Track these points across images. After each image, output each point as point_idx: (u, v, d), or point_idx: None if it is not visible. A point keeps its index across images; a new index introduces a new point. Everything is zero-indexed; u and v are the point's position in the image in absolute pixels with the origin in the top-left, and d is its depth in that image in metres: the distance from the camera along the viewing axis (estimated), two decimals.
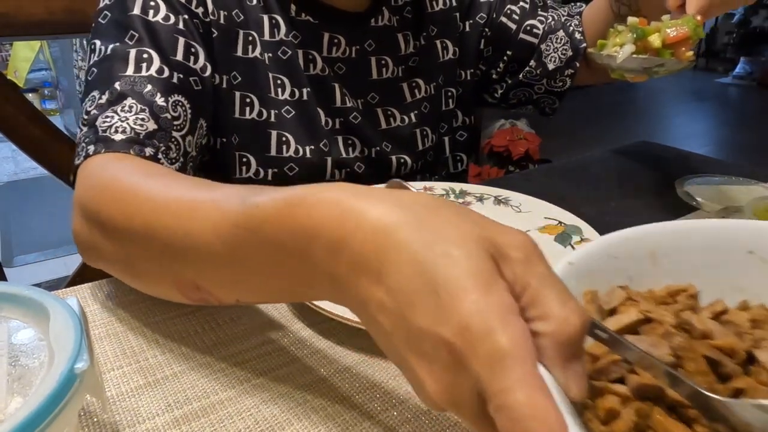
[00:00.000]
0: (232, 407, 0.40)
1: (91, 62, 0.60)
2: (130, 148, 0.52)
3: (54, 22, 0.81)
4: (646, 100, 5.63)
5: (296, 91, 0.70)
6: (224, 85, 0.67)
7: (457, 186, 0.71)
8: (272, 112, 0.69)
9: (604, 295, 0.35)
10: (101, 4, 0.63)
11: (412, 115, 0.80)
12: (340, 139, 0.74)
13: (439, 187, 0.70)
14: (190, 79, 0.61)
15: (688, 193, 0.76)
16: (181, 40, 0.61)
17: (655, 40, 0.55)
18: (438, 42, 0.83)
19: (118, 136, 0.53)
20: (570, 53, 0.84)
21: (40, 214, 2.65)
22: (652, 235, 0.38)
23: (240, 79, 0.67)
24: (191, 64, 0.61)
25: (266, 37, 0.69)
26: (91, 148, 0.52)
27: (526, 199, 0.68)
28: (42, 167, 0.85)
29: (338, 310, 0.46)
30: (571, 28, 0.84)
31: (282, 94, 0.70)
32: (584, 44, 0.83)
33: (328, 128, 0.73)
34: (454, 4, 0.84)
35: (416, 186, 0.69)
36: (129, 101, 0.55)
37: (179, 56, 0.60)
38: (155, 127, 0.55)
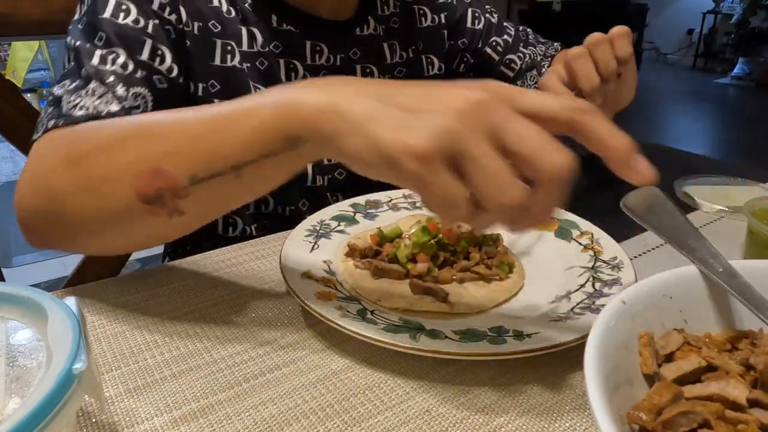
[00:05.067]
0: (231, 407, 0.40)
1: (65, 62, 0.62)
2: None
3: (52, 21, 0.81)
4: (645, 100, 5.63)
5: None
6: (200, 93, 0.68)
7: None
8: None
9: (660, 339, 0.34)
10: (77, 13, 0.65)
11: None
12: None
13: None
14: (154, 77, 0.62)
15: (687, 194, 0.76)
16: (149, 42, 0.62)
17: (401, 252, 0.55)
18: (424, 57, 0.85)
19: (79, 112, 0.54)
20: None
21: None
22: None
23: (218, 87, 0.69)
24: (156, 64, 0.62)
25: (245, 47, 0.70)
26: (51, 122, 0.54)
27: None
28: None
29: (332, 315, 0.46)
30: (543, 69, 0.88)
31: None
32: None
33: None
34: (443, 21, 0.86)
35: (395, 195, 0.69)
36: (93, 85, 0.56)
37: (145, 56, 0.61)
38: (117, 109, 0.56)
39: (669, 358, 0.34)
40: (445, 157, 0.33)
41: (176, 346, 0.47)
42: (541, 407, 0.41)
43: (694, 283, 0.37)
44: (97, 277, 0.57)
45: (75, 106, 0.54)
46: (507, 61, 0.89)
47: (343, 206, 0.66)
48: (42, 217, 0.50)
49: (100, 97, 0.56)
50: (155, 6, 0.64)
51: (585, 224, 0.62)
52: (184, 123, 0.44)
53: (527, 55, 0.89)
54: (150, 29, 0.63)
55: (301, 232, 0.60)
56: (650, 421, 0.29)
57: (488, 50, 0.89)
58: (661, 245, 0.63)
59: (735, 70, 6.50)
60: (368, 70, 0.78)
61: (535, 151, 0.33)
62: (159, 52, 0.63)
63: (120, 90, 0.57)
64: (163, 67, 0.63)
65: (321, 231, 0.61)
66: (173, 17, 0.65)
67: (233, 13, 0.70)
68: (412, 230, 0.56)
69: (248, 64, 0.70)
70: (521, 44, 0.90)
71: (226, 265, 0.59)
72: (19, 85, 2.86)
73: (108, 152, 0.46)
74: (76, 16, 0.64)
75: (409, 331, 0.44)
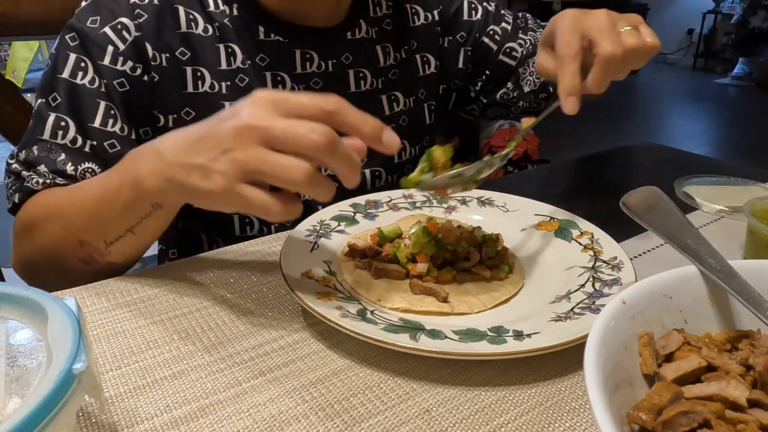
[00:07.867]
0: (231, 407, 0.40)
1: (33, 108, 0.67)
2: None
3: (52, 21, 0.81)
4: (645, 100, 5.63)
5: None
6: (170, 125, 0.69)
7: None
8: None
9: (660, 339, 0.34)
10: (48, 63, 0.67)
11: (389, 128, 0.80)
12: None
13: (420, 193, 0.70)
14: (105, 144, 0.65)
15: (687, 194, 0.76)
16: (102, 105, 0.65)
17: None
18: (419, 56, 0.85)
19: (37, 187, 0.63)
20: (543, 78, 0.84)
21: None
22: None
23: (194, 114, 0.70)
24: (108, 128, 0.65)
25: (223, 66, 0.70)
26: (17, 196, 0.64)
27: (509, 198, 0.68)
28: None
29: (332, 315, 0.46)
30: None
31: None
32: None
33: None
34: (437, 18, 0.86)
35: (395, 195, 0.69)
36: (42, 168, 0.63)
37: (97, 122, 0.65)
38: (71, 171, 0.64)
39: (669, 358, 0.34)
40: (242, 180, 0.44)
41: (176, 346, 0.47)
42: (541, 407, 0.41)
43: (694, 283, 0.37)
44: (97, 278, 0.57)
45: (32, 180, 0.63)
46: (507, 50, 0.87)
47: (343, 206, 0.66)
48: (30, 272, 0.65)
49: (52, 178, 0.63)
50: (107, 60, 0.65)
51: (585, 224, 0.62)
52: (88, 201, 0.56)
53: (528, 42, 0.87)
54: (104, 89, 0.66)
55: (301, 232, 0.60)
56: (650, 421, 0.29)
57: (486, 40, 0.87)
58: (661, 245, 0.63)
59: (735, 70, 6.49)
60: (361, 75, 0.78)
61: (296, 143, 0.43)
62: (112, 112, 0.66)
63: (70, 169, 0.63)
64: (116, 128, 0.66)
65: (321, 231, 0.61)
66: (128, 65, 0.66)
67: (210, 32, 0.70)
68: (412, 230, 0.56)
69: (227, 83, 0.70)
70: (520, 31, 0.88)
71: (227, 265, 0.59)
72: (19, 85, 2.86)
73: (46, 230, 0.59)
74: (46, 70, 0.66)
75: (409, 331, 0.44)
